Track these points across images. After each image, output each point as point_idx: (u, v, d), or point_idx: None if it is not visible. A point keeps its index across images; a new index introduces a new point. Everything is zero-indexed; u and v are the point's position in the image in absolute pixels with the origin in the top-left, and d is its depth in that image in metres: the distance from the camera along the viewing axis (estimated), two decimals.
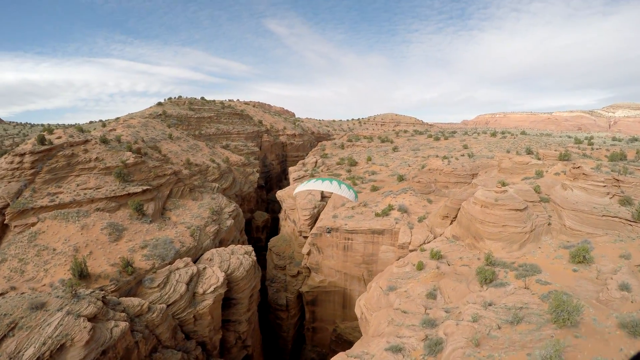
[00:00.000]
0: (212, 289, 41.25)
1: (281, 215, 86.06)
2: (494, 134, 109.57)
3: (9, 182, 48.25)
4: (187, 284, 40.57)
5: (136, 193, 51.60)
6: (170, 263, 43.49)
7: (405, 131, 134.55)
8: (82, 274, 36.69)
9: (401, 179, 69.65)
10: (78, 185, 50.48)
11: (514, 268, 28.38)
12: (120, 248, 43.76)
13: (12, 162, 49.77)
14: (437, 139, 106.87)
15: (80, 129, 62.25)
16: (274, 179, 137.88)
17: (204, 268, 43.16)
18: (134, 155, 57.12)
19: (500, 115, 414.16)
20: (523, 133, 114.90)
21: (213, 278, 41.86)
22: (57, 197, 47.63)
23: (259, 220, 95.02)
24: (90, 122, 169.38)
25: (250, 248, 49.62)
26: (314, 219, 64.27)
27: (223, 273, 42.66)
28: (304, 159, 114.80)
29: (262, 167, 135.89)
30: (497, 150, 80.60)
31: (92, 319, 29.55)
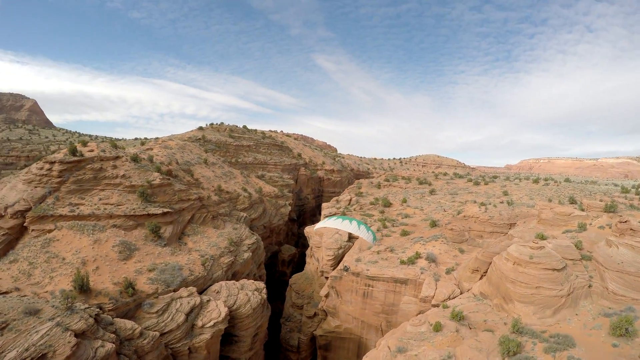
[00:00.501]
0: (211, 323, 38.63)
1: (308, 252, 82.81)
2: (536, 181, 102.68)
3: (36, 187, 50.13)
4: (187, 315, 38.47)
5: (156, 214, 51.44)
6: (175, 290, 41.67)
7: (445, 174, 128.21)
8: (83, 288, 36.41)
9: (434, 224, 64.33)
10: (100, 199, 51.30)
11: (543, 339, 23.70)
12: (128, 268, 42.93)
13: (41, 168, 51.65)
14: (477, 183, 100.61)
15: (114, 144, 64.79)
16: (308, 213, 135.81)
17: (208, 300, 40.80)
18: (161, 177, 57.82)
19: (544, 160, 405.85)
20: (567, 180, 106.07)
21: (215, 312, 39.31)
22: (77, 208, 48.49)
23: (286, 254, 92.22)
24: (136, 139, 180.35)
25: (262, 285, 46.73)
26: (338, 260, 60.43)
27: (227, 308, 40.06)
28: (339, 195, 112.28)
29: (297, 201, 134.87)
30: (539, 198, 74.24)
31: (80, 334, 29.16)
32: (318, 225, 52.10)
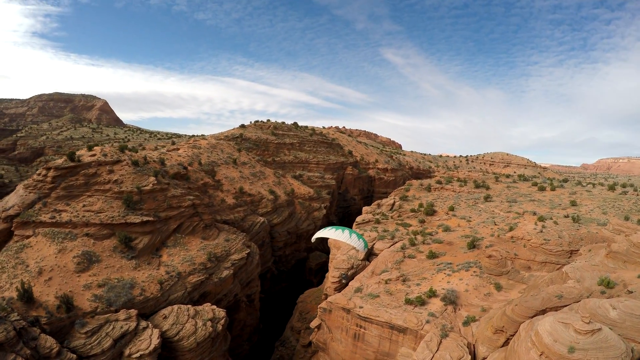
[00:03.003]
0: (138, 354, 33.36)
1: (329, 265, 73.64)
2: (612, 187, 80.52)
3: (30, 192, 49.85)
4: (116, 340, 34.23)
5: (134, 224, 47.12)
6: (117, 311, 37.38)
7: (508, 175, 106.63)
8: (26, 298, 35.04)
9: (472, 246, 49.98)
10: (84, 206, 48.88)
11: None
12: (79, 281, 39.95)
13: (40, 174, 51.58)
14: (542, 188, 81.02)
15: (123, 147, 62.63)
16: (354, 215, 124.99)
17: (144, 328, 34.93)
18: (155, 182, 53.81)
19: (624, 160, 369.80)
20: None
21: (145, 343, 33.91)
22: (58, 215, 46.86)
23: (314, 262, 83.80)
24: (193, 136, 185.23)
25: (221, 314, 39.45)
26: (347, 280, 50.18)
27: (159, 339, 34.28)
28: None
29: (342, 202, 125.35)
30: (613, 212, 55.97)
31: None
32: (316, 236, 48.97)
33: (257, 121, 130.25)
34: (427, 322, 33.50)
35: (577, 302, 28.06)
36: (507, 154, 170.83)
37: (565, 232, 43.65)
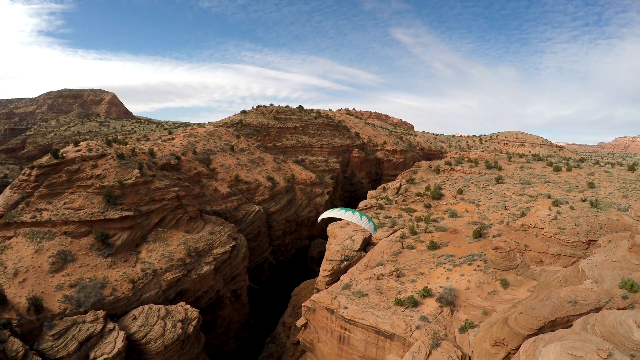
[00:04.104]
0: (102, 358, 31.64)
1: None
2: (632, 168, 73.53)
3: (15, 192, 48.46)
4: (81, 343, 32.55)
5: (113, 219, 44.64)
6: (86, 312, 35.66)
7: (522, 155, 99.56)
8: (2, 300, 34.14)
9: (478, 235, 45.44)
10: (65, 203, 46.85)
11: None
12: (52, 281, 38.42)
13: (24, 173, 49.96)
14: (558, 169, 74.88)
15: (112, 139, 60.00)
16: (361, 200, 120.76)
17: (111, 330, 32.98)
18: (138, 174, 51.19)
19: None
20: None
21: (109, 346, 32.00)
22: (40, 214, 45.25)
23: (315, 250, 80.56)
24: (200, 124, 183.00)
25: (194, 314, 36.91)
26: (337, 275, 46.70)
27: (124, 342, 32.48)
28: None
29: (348, 186, 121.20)
30: (635, 195, 50.30)
31: None
32: (322, 216, 48.34)
33: (259, 106, 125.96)
34: (418, 327, 29.74)
35: (596, 309, 23.77)
36: (522, 133, 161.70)
37: (582, 218, 38.71)
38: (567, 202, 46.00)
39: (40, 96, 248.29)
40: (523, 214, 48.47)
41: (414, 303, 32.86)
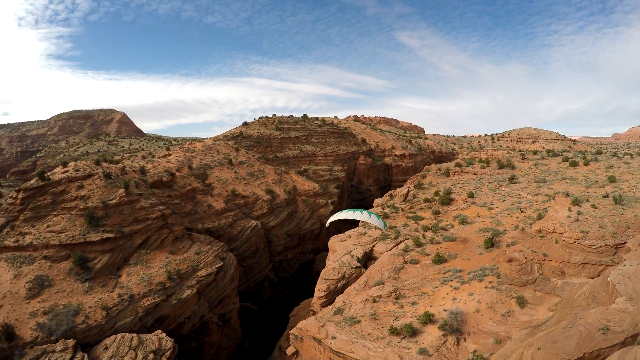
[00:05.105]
0: None
1: None
2: None
3: (1, 216, 47.57)
4: None
5: (93, 242, 42.09)
6: (56, 340, 33.37)
7: (535, 152, 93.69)
8: None
9: (490, 244, 40.77)
10: (48, 226, 45.24)
11: None
12: (27, 308, 36.52)
13: (12, 197, 49.47)
14: (574, 164, 69.92)
15: (102, 159, 58.01)
16: (370, 207, 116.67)
17: None
18: (123, 194, 48.90)
19: None
20: None
21: None
22: (23, 238, 44.00)
23: (320, 265, 76.27)
24: (203, 139, 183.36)
25: (168, 344, 33.88)
26: (333, 296, 42.71)
27: None
28: None
29: (355, 195, 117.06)
30: None
31: None
32: (330, 220, 48.98)
33: (261, 117, 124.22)
34: None
35: (632, 337, 19.14)
36: (535, 129, 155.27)
37: (606, 218, 33.79)
38: (587, 200, 41.14)
39: (51, 118, 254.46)
40: (540, 216, 43.58)
41: (412, 332, 28.45)
